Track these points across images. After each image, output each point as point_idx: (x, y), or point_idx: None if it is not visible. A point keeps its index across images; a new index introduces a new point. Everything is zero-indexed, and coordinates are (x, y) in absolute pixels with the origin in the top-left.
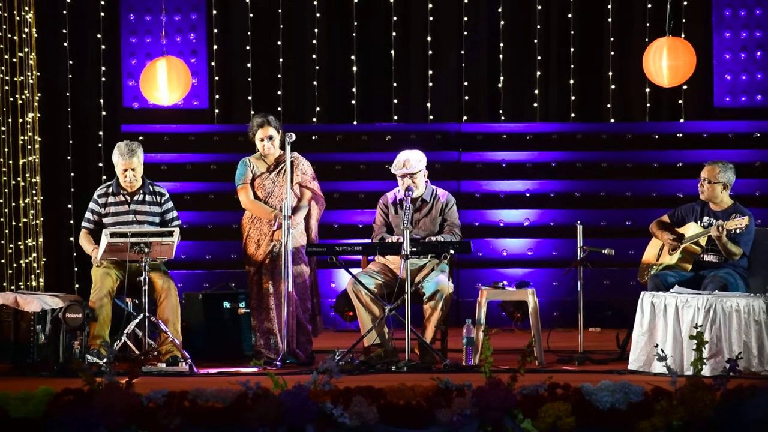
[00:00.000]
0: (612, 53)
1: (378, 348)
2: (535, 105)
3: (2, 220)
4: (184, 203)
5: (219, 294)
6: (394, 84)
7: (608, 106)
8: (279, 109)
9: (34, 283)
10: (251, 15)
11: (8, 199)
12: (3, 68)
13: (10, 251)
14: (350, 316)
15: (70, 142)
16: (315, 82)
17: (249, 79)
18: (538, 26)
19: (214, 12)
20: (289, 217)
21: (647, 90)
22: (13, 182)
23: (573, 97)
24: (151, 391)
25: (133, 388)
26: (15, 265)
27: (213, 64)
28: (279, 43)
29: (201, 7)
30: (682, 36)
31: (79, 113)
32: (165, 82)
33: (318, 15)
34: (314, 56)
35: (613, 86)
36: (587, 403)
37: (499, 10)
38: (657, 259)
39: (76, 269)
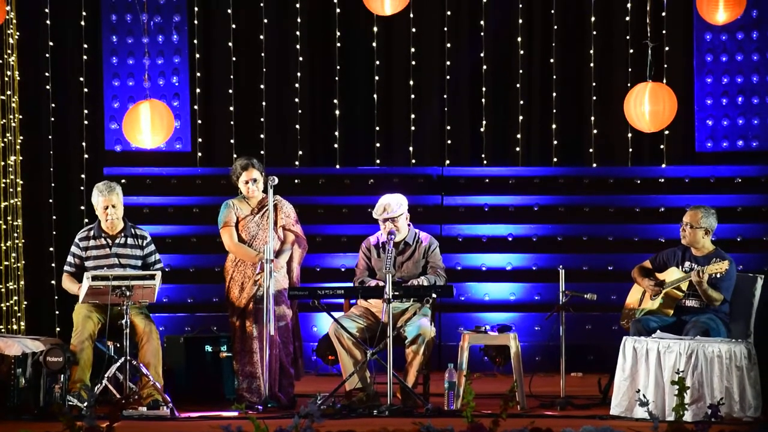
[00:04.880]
0: (594, 98)
1: (360, 392)
2: (518, 149)
3: None
4: (166, 246)
5: (201, 337)
6: (377, 128)
7: (590, 150)
8: (262, 152)
9: (15, 326)
10: (234, 59)
11: None
12: None
13: None
14: (332, 360)
15: (53, 185)
16: (297, 126)
17: (232, 123)
18: (521, 70)
19: (197, 55)
20: (272, 260)
21: (629, 135)
22: None
23: (555, 142)
24: None
25: None
26: None
27: (196, 107)
28: (262, 86)
29: (184, 51)
30: (664, 81)
31: (61, 156)
32: (148, 125)
33: (301, 59)
34: (297, 99)
35: (595, 131)
36: None
37: (482, 54)
38: (639, 304)
39: (57, 312)
